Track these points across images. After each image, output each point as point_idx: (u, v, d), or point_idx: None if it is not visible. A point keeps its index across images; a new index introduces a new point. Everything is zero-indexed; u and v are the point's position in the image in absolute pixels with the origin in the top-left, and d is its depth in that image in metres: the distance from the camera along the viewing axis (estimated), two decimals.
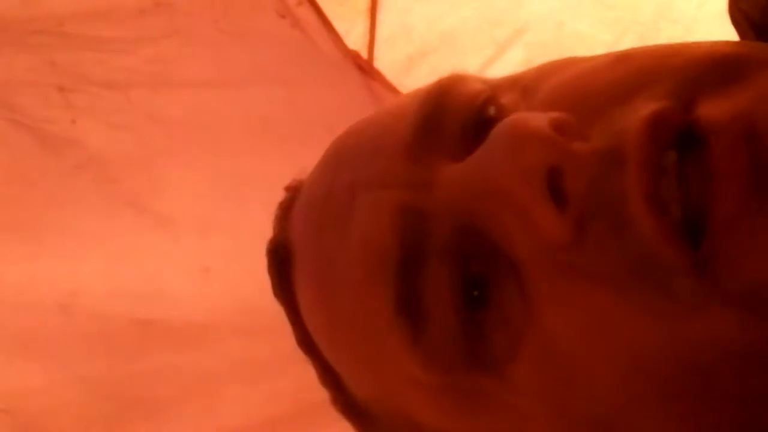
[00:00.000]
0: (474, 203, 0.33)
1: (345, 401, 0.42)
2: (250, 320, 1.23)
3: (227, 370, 1.37)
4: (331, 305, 0.38)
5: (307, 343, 0.42)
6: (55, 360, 1.30)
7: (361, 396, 0.41)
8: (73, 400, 1.30)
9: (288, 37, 1.46)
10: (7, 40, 1.29)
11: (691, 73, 0.32)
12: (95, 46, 1.34)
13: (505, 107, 0.36)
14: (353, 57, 1.52)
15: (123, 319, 1.33)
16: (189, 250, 1.38)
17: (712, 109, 0.30)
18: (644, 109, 0.31)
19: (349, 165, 0.38)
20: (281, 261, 0.42)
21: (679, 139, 0.30)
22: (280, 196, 0.46)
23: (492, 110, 0.36)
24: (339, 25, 1.50)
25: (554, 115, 0.32)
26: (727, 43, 0.35)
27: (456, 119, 0.36)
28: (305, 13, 1.46)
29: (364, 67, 1.52)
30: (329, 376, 0.42)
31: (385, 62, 1.53)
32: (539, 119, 0.32)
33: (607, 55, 0.36)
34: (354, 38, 1.52)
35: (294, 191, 0.44)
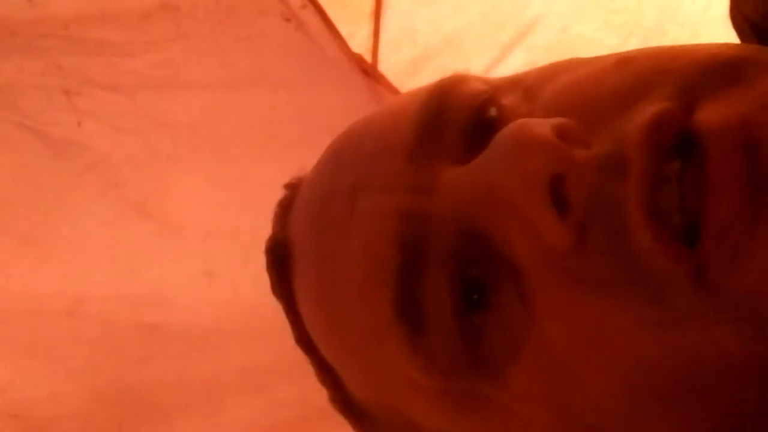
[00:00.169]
0: (476, 208, 0.33)
1: (343, 400, 0.42)
2: (254, 325, 1.23)
3: (232, 376, 1.37)
4: (331, 306, 0.38)
5: (305, 341, 0.42)
6: (62, 366, 1.30)
7: (360, 396, 0.41)
8: (81, 406, 1.30)
9: (292, 40, 1.46)
10: (14, 44, 1.29)
11: (691, 75, 0.32)
12: (101, 50, 1.34)
13: (506, 108, 0.36)
14: (357, 60, 1.52)
15: (129, 324, 1.33)
16: (193, 255, 1.38)
17: (711, 114, 0.30)
18: (644, 114, 0.31)
19: (350, 165, 0.38)
20: (280, 259, 0.42)
21: (681, 142, 0.30)
22: None
23: (493, 111, 0.36)
24: (343, 28, 1.50)
25: (557, 121, 0.32)
26: (729, 45, 0.35)
27: (457, 119, 0.36)
28: (309, 16, 1.46)
29: (368, 71, 1.52)
30: (328, 375, 0.42)
31: (389, 65, 1.53)
32: (543, 126, 0.32)
33: (608, 57, 0.36)
34: (358, 41, 1.52)
35: (294, 189, 0.44)
